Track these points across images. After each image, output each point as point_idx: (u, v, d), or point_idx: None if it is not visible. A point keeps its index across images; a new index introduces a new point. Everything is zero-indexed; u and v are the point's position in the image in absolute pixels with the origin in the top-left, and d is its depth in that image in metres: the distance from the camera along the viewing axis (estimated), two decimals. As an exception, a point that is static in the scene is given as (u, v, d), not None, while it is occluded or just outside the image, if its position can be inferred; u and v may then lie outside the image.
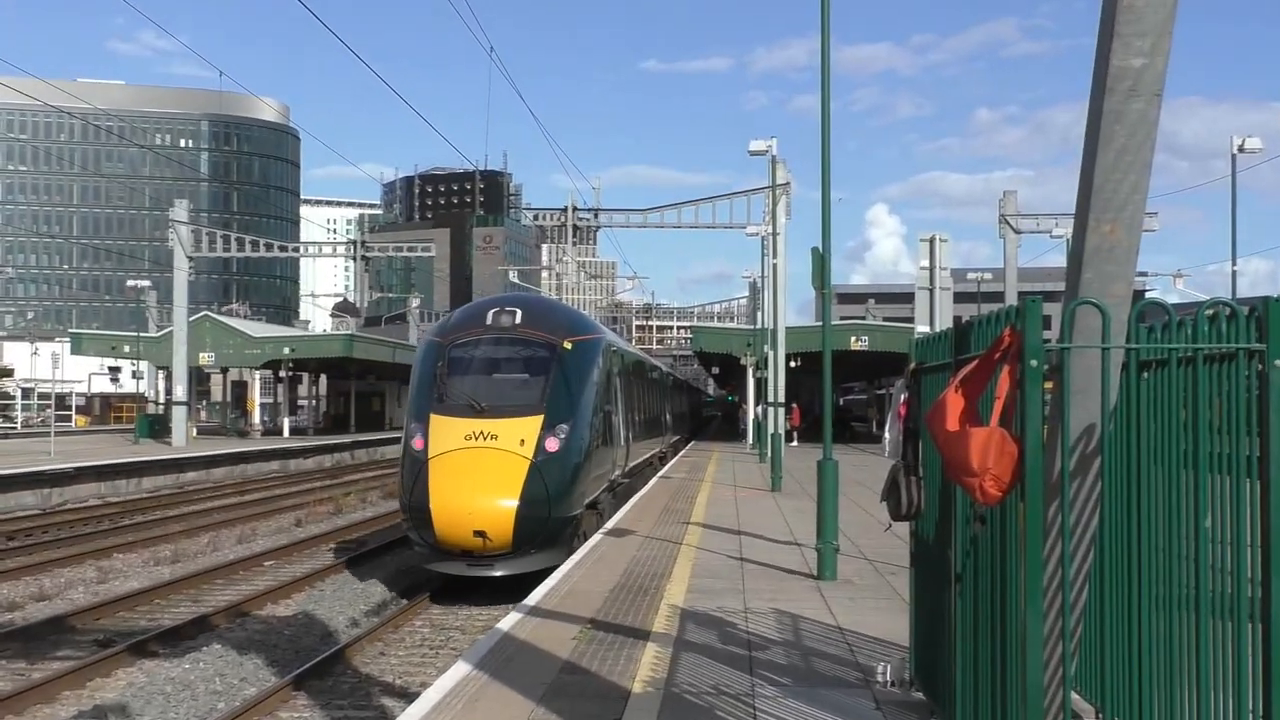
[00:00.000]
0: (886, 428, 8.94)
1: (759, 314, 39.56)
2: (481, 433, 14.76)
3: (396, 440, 49.56)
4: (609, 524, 16.82)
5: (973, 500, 4.34)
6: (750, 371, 40.71)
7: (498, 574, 14.44)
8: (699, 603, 10.29)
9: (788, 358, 38.58)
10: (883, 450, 8.25)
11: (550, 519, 14.59)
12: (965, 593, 5.65)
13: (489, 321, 16.27)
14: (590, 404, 15.98)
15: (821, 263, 12.69)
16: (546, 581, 11.65)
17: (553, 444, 14.91)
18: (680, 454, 37.77)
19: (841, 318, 79.81)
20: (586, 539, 15.70)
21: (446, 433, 14.80)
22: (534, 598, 10.62)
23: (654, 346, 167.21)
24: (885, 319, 75.57)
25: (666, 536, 15.27)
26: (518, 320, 16.26)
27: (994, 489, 4.19)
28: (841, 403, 68.35)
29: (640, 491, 22.71)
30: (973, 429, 4.24)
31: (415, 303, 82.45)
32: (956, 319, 6.80)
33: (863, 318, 70.23)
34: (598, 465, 16.66)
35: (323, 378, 65.10)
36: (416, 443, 14.88)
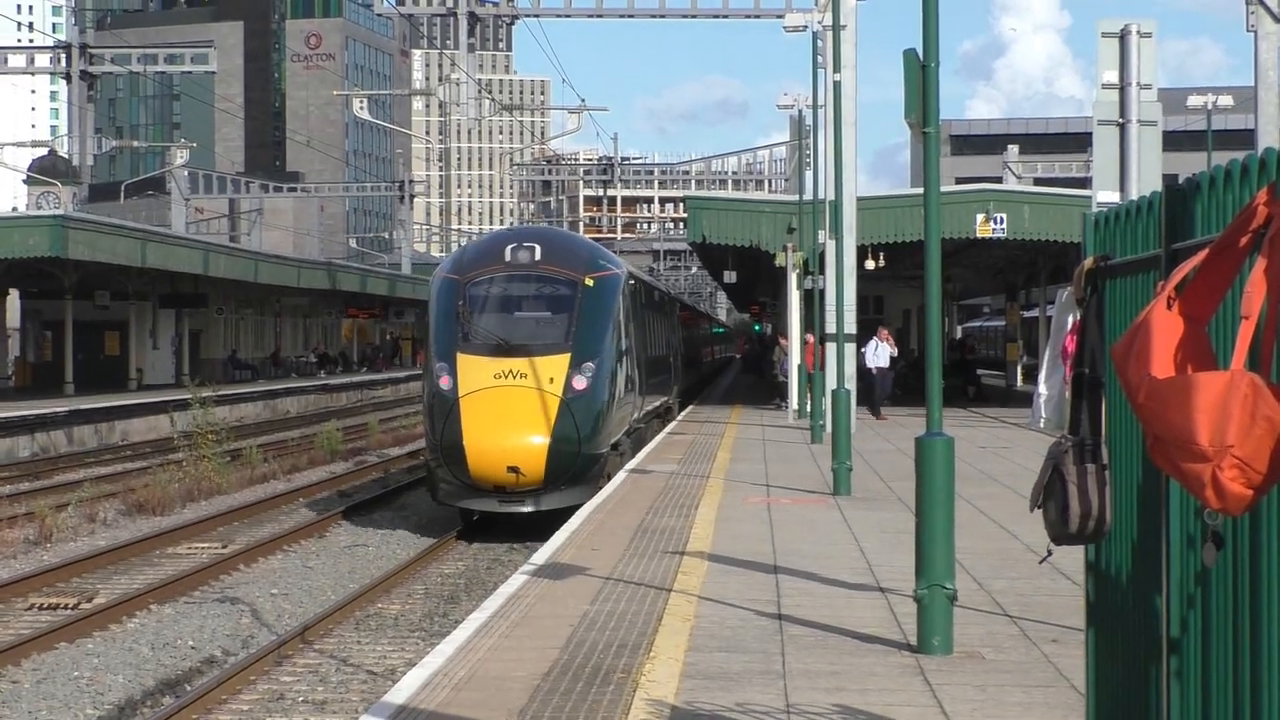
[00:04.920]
0: (1041, 377, 9.01)
1: (807, 174, 39.54)
2: (510, 371, 24.61)
3: (152, 409, 49.75)
4: (538, 556, 17.05)
5: (1200, 505, 4.33)
6: (793, 279, 40.79)
7: (528, 510, 24.59)
8: (704, 697, 10.40)
9: (860, 254, 38.64)
10: (1032, 417, 8.29)
11: (580, 455, 24.68)
12: (1187, 672, 5.69)
13: (508, 258, 26.21)
14: (613, 343, 26.20)
15: (922, 76, 12.65)
16: (431, 658, 11.76)
17: (580, 382, 24.86)
18: (669, 428, 37.89)
19: (957, 180, 79.66)
20: (610, 479, 25.42)
21: (475, 371, 24.62)
22: (405, 691, 10.72)
23: (618, 236, 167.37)
24: (1037, 181, 75.63)
25: (643, 577, 15.44)
26: (538, 256, 26.23)
27: (1238, 484, 4.18)
28: (960, 334, 68.76)
29: (598, 497, 22.98)
30: (1200, 375, 4.24)
31: (182, 157, 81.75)
32: (1169, 179, 6.78)
33: (997, 180, 70.37)
34: (620, 405, 27.19)
35: (13, 295, 64.77)
36: (444, 381, 24.64)
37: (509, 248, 26.46)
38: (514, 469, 23.92)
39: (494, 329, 25.11)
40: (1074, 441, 5.99)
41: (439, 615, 18.60)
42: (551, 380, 24.57)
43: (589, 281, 26.12)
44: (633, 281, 30.30)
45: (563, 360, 24.87)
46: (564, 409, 24.37)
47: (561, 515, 22.18)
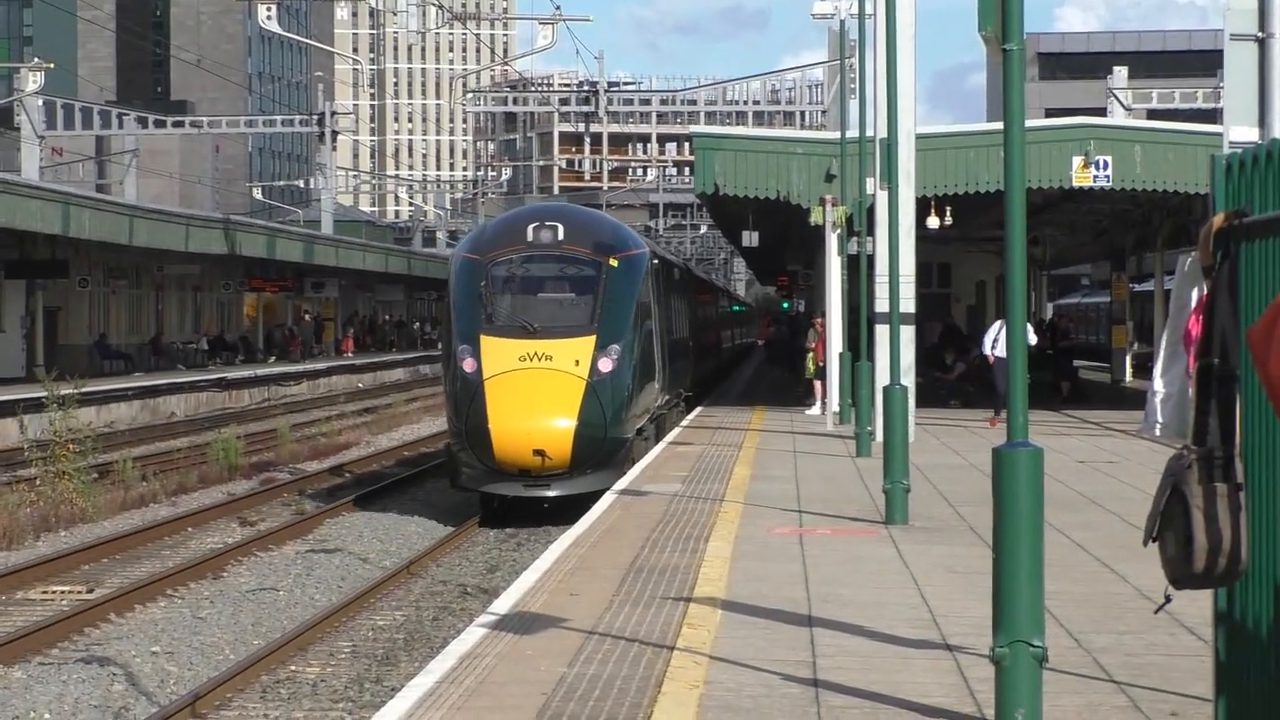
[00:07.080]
0: (1157, 371, 8.97)
1: (851, 104, 39.46)
2: (536, 353, 30.91)
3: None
4: (499, 604, 17.15)
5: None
6: (833, 241, 40.77)
7: (553, 494, 31.04)
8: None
9: (921, 208, 38.62)
10: (1146, 423, 8.26)
11: (606, 439, 31.04)
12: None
13: (530, 238, 33.00)
14: (637, 325, 33.01)
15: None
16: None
17: (606, 365, 31.19)
18: (670, 435, 37.93)
19: (1047, 111, 79.21)
20: (634, 464, 32.01)
21: (499, 354, 30.98)
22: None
23: (603, 185, 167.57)
24: (1151, 114, 75.48)
25: (637, 631, 15.48)
26: (560, 236, 33.00)
27: None
28: (1050, 314, 68.91)
29: (578, 527, 23.05)
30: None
31: (36, 82, 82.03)
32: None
33: (1100, 112, 70.36)
34: (646, 390, 34.50)
35: None
36: (468, 365, 31.03)
37: (531, 227, 33.20)
38: (540, 452, 30.22)
39: (518, 311, 31.97)
40: (1199, 454, 6.01)
41: (370, 681, 18.60)
42: (577, 363, 30.99)
43: (613, 262, 32.90)
44: (655, 261, 37.65)
45: (588, 342, 31.34)
46: (590, 392, 30.78)
47: (587, 500, 27.54)
